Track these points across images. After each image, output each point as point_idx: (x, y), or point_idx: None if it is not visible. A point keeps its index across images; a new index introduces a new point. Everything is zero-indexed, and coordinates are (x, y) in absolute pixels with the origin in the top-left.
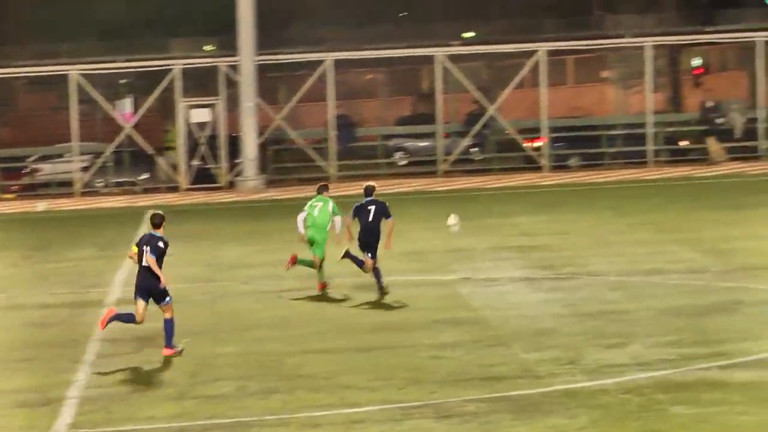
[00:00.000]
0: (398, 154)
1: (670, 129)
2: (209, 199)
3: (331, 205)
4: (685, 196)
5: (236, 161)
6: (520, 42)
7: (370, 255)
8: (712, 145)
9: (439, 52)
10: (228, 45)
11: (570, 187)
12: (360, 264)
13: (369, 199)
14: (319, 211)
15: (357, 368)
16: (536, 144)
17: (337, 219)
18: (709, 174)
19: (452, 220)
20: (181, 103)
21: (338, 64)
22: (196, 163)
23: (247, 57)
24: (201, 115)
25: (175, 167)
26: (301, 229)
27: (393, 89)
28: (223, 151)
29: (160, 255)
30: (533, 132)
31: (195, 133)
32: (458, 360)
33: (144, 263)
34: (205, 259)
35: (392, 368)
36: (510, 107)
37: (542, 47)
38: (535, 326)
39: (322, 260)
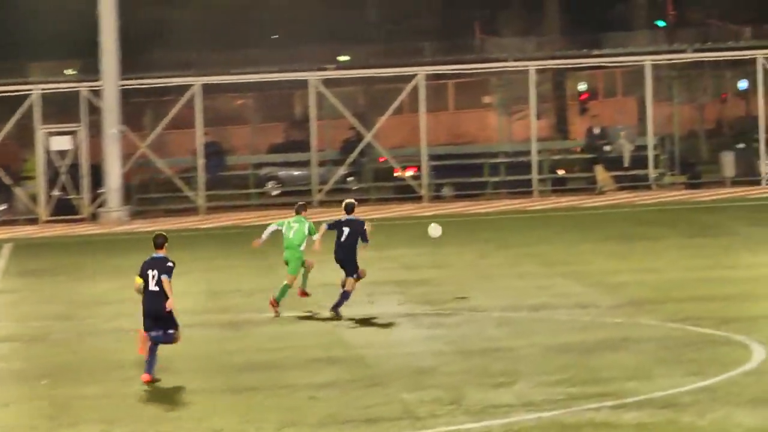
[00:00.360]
0: (270, 184)
1: (556, 157)
2: (70, 232)
3: (307, 225)
4: (571, 227)
5: (99, 191)
6: (399, 65)
7: (345, 273)
8: (600, 173)
9: (312, 76)
10: (90, 69)
11: (451, 218)
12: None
13: (347, 217)
14: (295, 232)
15: (229, 410)
16: (408, 173)
17: (316, 238)
18: (596, 204)
19: (435, 231)
20: (40, 131)
21: (206, 88)
22: (56, 193)
23: (110, 81)
24: (62, 143)
25: (34, 198)
26: (264, 237)
27: (264, 115)
28: (85, 181)
29: (171, 275)
30: (414, 160)
31: (55, 161)
32: (336, 401)
33: (151, 288)
34: (66, 295)
35: (267, 410)
36: (388, 134)
37: (421, 71)
38: (415, 364)
39: (295, 277)
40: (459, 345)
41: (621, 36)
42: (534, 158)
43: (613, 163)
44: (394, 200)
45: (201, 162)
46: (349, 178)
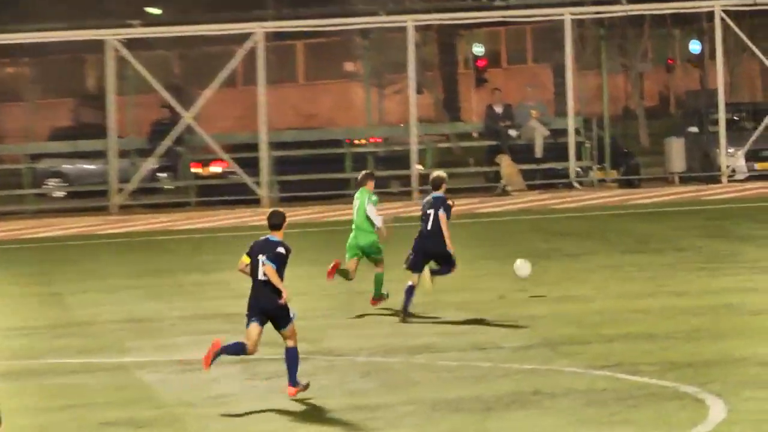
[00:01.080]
0: (53, 182)
1: (444, 144)
2: None
3: (367, 197)
4: (465, 240)
5: None
6: (229, 21)
7: (432, 269)
8: (505, 167)
9: (110, 36)
10: None
11: (300, 227)
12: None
13: (433, 196)
14: (358, 210)
15: None
16: (213, 169)
17: (370, 209)
18: (499, 209)
19: (523, 269)
20: None
21: None
22: None
23: None
24: None
25: None
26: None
27: (45, 89)
28: None
29: (281, 264)
30: (250, 149)
31: None
32: None
33: (260, 276)
34: None
35: None
36: (215, 114)
37: (260, 28)
38: (253, 428)
39: (382, 260)
40: (312, 402)
41: None
42: (413, 146)
43: (520, 152)
44: (223, 204)
45: None
46: (161, 175)
